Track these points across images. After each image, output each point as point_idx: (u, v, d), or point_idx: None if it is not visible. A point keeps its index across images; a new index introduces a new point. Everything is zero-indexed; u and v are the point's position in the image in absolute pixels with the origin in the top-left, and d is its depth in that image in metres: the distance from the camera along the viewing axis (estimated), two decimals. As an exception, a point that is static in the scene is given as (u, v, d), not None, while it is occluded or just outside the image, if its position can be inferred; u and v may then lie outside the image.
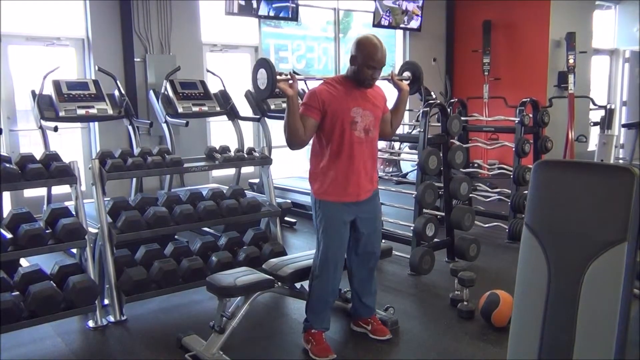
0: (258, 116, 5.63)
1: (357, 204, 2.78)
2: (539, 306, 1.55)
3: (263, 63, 2.64)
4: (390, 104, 2.96)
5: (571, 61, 7.89)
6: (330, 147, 2.71)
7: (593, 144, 7.98)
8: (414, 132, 5.48)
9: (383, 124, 2.90)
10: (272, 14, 6.79)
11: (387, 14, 7.94)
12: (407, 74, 3.12)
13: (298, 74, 2.77)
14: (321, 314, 2.85)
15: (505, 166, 5.57)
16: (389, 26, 8.09)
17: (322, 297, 2.82)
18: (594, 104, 7.60)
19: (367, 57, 2.64)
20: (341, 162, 2.71)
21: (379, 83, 2.84)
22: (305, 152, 2.91)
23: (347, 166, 2.72)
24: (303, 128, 2.63)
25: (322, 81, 2.79)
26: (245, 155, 3.99)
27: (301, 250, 2.93)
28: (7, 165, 3.03)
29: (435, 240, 4.06)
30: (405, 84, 2.99)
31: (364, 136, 2.73)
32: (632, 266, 1.41)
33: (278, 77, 2.59)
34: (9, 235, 2.97)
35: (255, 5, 6.55)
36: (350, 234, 2.84)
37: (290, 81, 2.62)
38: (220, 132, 6.47)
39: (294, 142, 2.67)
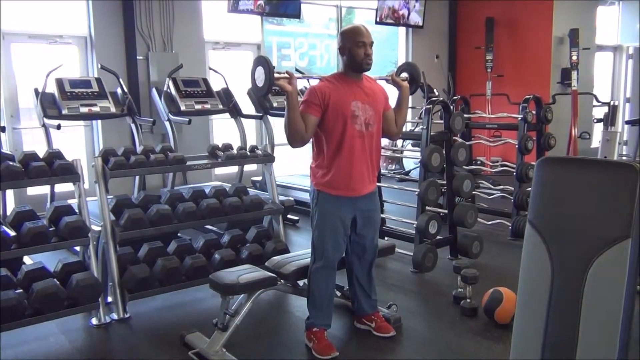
0: (260, 114, 5.63)
1: (357, 199, 2.78)
2: (542, 303, 1.54)
3: (261, 60, 2.67)
4: (393, 100, 2.96)
5: (574, 58, 7.87)
6: (332, 141, 2.70)
7: (596, 140, 7.96)
8: (417, 129, 5.48)
9: (387, 122, 2.89)
10: (275, 11, 6.78)
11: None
12: (404, 74, 3.14)
13: (301, 72, 2.79)
14: (321, 310, 2.85)
15: (508, 163, 5.57)
16: (392, 23, 8.07)
17: (319, 293, 2.82)
18: (597, 100, 7.57)
19: (353, 37, 2.69)
20: (343, 156, 2.70)
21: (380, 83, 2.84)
22: (308, 149, 2.91)
23: (348, 161, 2.71)
24: (304, 125, 2.63)
25: (319, 80, 2.80)
26: (248, 153, 4.00)
27: (304, 247, 2.93)
28: (10, 163, 3.03)
29: (438, 237, 4.05)
30: (404, 82, 3.01)
31: (365, 130, 2.73)
32: (636, 263, 1.41)
33: (276, 74, 2.60)
34: (12, 233, 2.97)
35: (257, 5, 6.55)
36: (350, 232, 2.84)
37: (288, 78, 2.62)
38: (223, 130, 6.46)
39: (294, 139, 2.66)
